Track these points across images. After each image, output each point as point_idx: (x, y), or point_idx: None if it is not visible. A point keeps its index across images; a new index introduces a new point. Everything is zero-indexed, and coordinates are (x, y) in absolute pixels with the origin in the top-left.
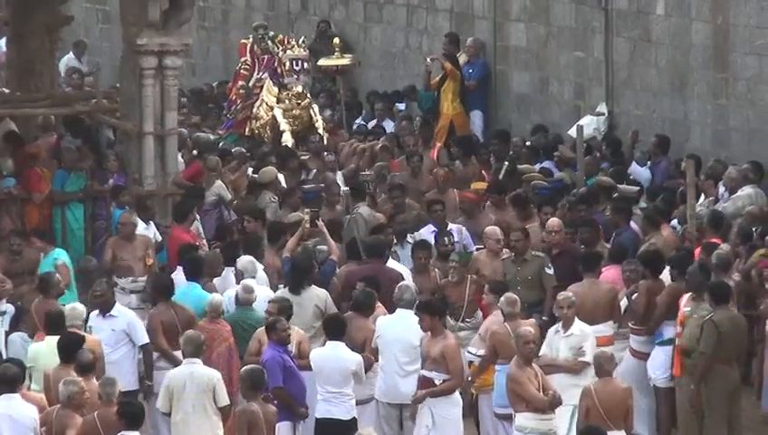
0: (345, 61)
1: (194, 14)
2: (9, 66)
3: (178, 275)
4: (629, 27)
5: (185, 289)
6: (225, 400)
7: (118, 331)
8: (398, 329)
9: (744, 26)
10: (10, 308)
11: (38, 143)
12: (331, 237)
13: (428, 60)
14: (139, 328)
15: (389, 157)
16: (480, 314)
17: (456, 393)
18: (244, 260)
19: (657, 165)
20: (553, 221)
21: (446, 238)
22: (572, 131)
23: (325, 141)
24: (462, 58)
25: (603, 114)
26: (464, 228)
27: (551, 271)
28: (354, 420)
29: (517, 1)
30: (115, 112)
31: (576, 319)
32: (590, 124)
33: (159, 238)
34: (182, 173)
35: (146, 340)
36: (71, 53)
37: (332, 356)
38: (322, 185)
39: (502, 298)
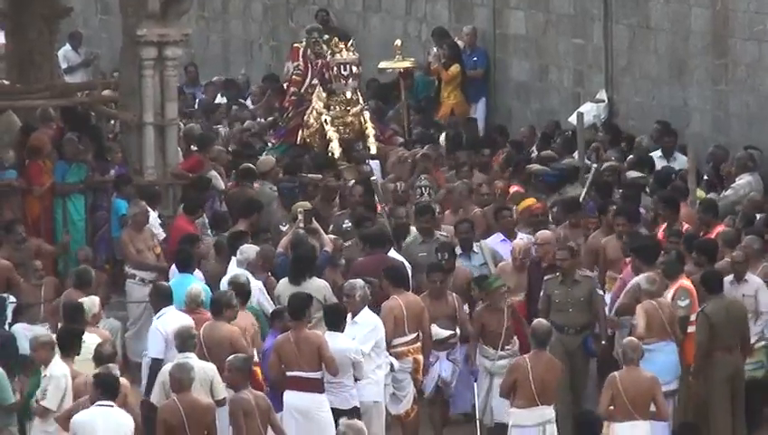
0: (407, 63)
1: (193, 4)
2: (8, 58)
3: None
4: (629, 14)
5: (179, 280)
6: (222, 392)
7: None
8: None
9: (743, 12)
10: (11, 298)
11: (38, 135)
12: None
13: (434, 49)
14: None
15: (431, 165)
16: (517, 341)
17: None
18: (248, 249)
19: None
20: (545, 234)
21: (438, 254)
22: (572, 119)
23: (373, 150)
24: (460, 45)
25: (603, 101)
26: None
27: (601, 292)
28: (355, 409)
29: None
30: (115, 103)
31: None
32: (590, 111)
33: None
34: (180, 165)
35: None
36: (67, 44)
37: (331, 346)
38: (297, 182)
39: (641, 276)
